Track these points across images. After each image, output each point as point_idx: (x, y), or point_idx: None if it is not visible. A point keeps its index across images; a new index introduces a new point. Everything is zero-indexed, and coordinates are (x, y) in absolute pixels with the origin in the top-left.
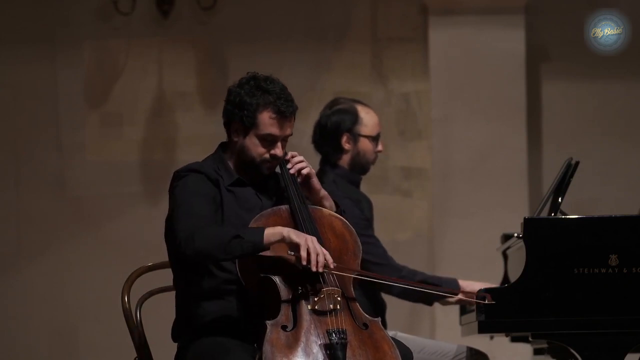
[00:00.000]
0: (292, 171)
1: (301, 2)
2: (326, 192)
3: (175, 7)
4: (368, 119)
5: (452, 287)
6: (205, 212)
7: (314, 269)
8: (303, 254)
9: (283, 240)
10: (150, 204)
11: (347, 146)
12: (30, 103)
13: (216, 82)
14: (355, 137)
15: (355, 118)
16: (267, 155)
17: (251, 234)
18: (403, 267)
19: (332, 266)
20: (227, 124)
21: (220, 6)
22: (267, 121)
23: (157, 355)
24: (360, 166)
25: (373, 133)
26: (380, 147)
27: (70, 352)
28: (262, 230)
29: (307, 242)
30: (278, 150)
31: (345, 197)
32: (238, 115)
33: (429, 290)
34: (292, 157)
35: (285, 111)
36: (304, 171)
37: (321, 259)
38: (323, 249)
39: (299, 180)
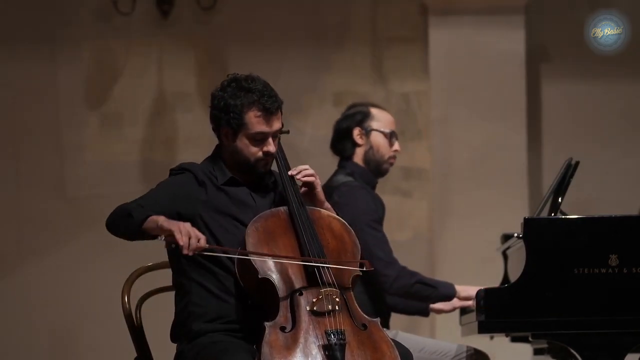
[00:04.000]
0: (298, 177)
1: (301, 3)
2: (330, 206)
3: (175, 7)
4: (380, 115)
5: (449, 291)
6: (157, 200)
7: (184, 251)
8: (177, 236)
9: (157, 227)
10: None
11: (359, 140)
12: (30, 103)
13: (216, 82)
14: (366, 130)
15: (366, 114)
16: (260, 154)
17: (138, 216)
18: (403, 267)
19: (203, 248)
20: (216, 129)
21: (220, 6)
22: (254, 120)
23: (157, 355)
24: (375, 163)
25: (385, 128)
26: (396, 147)
27: (70, 352)
28: (148, 215)
29: (180, 227)
30: (271, 147)
31: (362, 188)
32: (225, 119)
33: (426, 288)
34: (301, 170)
35: (271, 107)
36: (309, 179)
37: (193, 242)
38: (197, 233)
39: (303, 189)
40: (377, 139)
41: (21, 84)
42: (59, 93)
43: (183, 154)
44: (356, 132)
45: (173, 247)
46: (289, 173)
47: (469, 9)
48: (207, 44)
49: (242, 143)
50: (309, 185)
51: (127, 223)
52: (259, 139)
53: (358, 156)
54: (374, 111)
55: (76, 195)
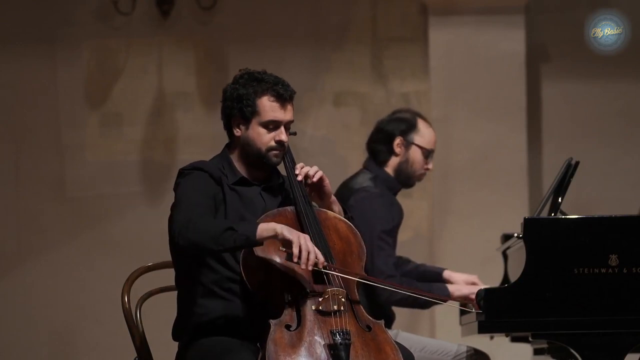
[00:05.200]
0: (299, 178)
1: (301, 2)
2: (335, 198)
3: (175, 7)
4: (426, 132)
5: (442, 293)
6: (203, 207)
7: (303, 266)
8: (295, 250)
9: (276, 236)
10: (150, 204)
11: (398, 150)
12: (30, 103)
13: (216, 82)
14: (408, 143)
15: (413, 126)
16: (273, 143)
17: (245, 227)
18: (401, 279)
19: (321, 266)
20: (228, 123)
21: (220, 6)
22: (267, 106)
23: (157, 355)
24: (406, 175)
25: (427, 146)
26: (429, 165)
27: (70, 352)
28: (256, 224)
29: (300, 240)
30: (283, 136)
31: (380, 197)
32: (237, 108)
33: (419, 296)
34: (301, 167)
35: (284, 94)
36: (317, 175)
37: (312, 257)
38: (315, 248)
39: (310, 181)
40: (416, 154)
41: (21, 84)
42: (59, 93)
43: (183, 154)
44: (397, 141)
45: (297, 262)
46: (295, 173)
47: (469, 9)
48: (207, 44)
49: (255, 132)
50: (316, 185)
51: (232, 238)
52: (272, 127)
53: (391, 164)
54: (420, 125)
55: (76, 195)
